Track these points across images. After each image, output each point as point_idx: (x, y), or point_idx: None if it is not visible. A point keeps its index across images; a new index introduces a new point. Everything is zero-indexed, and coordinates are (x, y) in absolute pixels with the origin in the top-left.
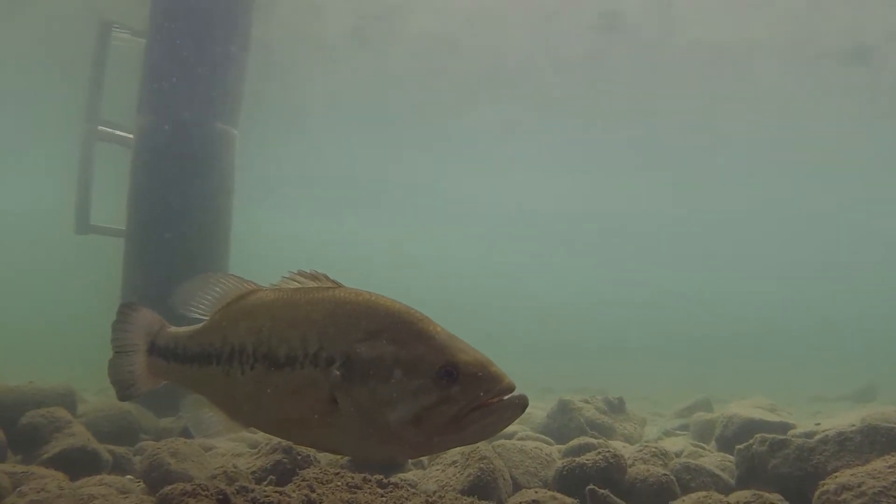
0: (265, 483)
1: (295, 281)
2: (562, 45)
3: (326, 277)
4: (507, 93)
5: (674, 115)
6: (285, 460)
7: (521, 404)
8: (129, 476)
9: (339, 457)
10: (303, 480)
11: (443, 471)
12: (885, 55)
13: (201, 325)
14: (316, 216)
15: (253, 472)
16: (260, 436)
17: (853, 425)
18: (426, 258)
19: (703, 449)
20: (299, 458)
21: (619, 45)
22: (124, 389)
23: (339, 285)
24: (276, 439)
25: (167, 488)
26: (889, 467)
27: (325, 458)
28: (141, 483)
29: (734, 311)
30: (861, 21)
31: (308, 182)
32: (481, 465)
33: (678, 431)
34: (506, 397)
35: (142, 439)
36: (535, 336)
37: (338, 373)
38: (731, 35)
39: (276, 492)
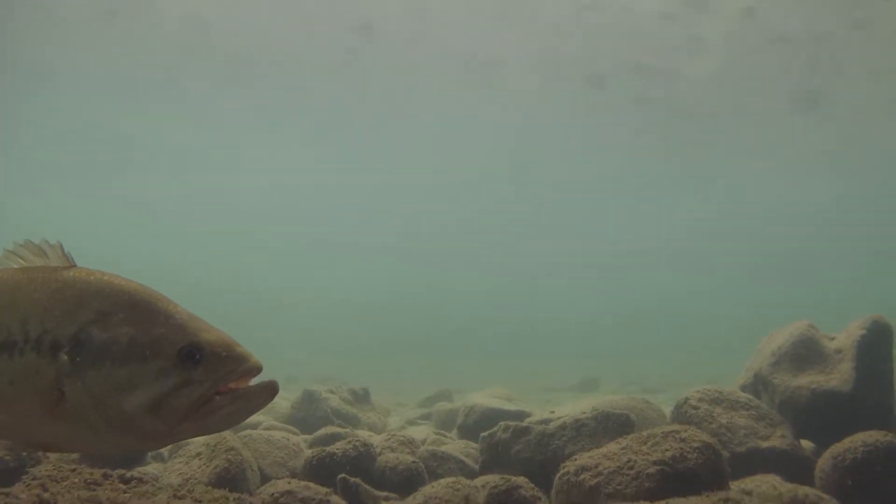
0: None
1: (18, 255)
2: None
3: (61, 250)
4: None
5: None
6: (7, 457)
7: (270, 389)
8: None
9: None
10: (33, 479)
11: (186, 463)
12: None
13: None
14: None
15: None
16: None
17: (584, 412)
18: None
19: (446, 437)
20: (25, 454)
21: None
22: None
23: (71, 262)
24: None
25: None
26: (622, 449)
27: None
28: None
29: (469, 309)
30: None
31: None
32: (229, 457)
33: (420, 421)
34: (255, 383)
35: None
36: (278, 324)
37: (66, 357)
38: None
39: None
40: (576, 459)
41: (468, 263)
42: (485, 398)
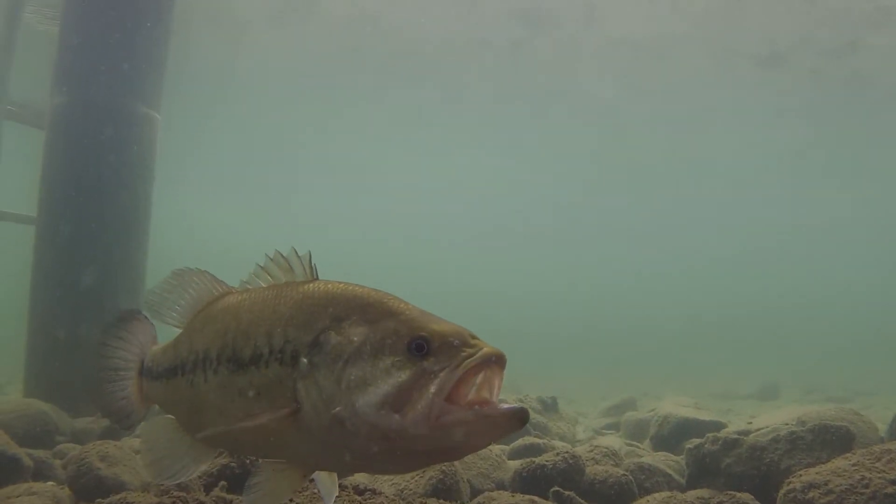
0: (218, 489)
1: (267, 273)
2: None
3: (308, 262)
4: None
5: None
6: (233, 464)
7: (519, 416)
8: (50, 482)
9: None
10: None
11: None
12: None
13: (175, 337)
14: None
15: (200, 478)
16: None
17: (787, 423)
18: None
19: (639, 448)
20: (248, 461)
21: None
22: (122, 420)
23: (315, 275)
24: None
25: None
26: (853, 465)
27: None
28: (66, 489)
29: (625, 311)
30: None
31: (230, 167)
32: (443, 468)
33: (606, 431)
34: (504, 407)
35: (58, 441)
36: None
37: (305, 361)
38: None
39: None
40: (801, 475)
41: (623, 261)
42: (676, 407)
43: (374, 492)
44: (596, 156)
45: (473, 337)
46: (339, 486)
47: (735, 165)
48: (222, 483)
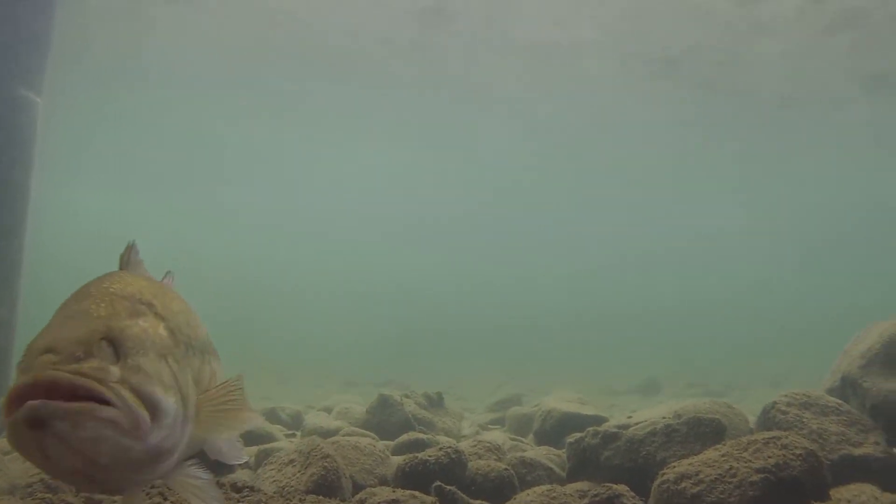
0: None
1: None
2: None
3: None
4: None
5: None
6: None
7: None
8: None
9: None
10: (152, 487)
11: (279, 470)
12: None
13: None
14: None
15: None
16: None
17: (665, 417)
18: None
19: (523, 442)
20: None
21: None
22: None
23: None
24: None
25: None
26: (722, 456)
27: None
28: None
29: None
30: None
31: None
32: (325, 464)
33: (492, 426)
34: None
35: None
36: (335, 330)
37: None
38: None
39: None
40: (675, 466)
41: (514, 258)
42: (560, 402)
43: (252, 489)
44: (501, 155)
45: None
46: (218, 483)
47: (632, 170)
48: None
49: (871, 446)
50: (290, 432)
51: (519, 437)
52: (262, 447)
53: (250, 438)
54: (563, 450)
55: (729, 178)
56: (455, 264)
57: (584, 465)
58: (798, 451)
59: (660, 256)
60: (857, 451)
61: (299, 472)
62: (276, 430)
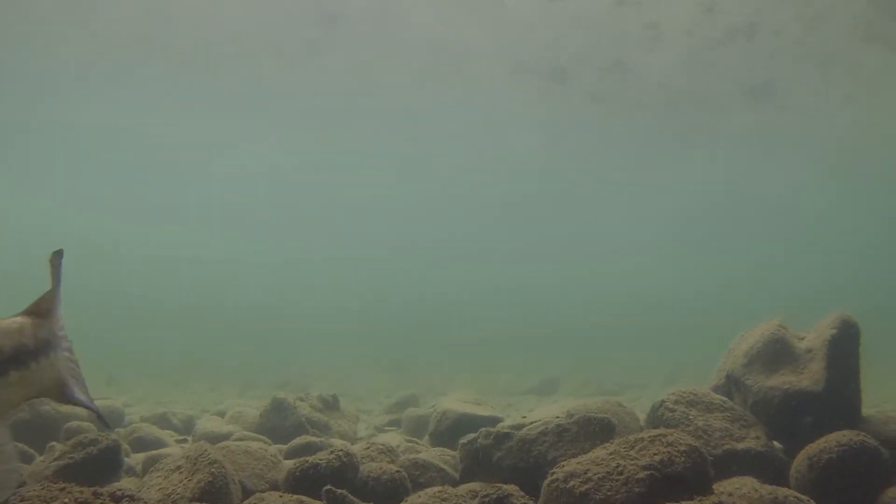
0: None
1: None
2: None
3: None
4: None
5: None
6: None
7: None
8: None
9: (43, 468)
10: (21, 500)
11: (165, 477)
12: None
13: None
14: None
15: None
16: None
17: (558, 417)
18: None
19: (418, 444)
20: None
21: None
22: None
23: None
24: None
25: None
26: (610, 454)
27: (26, 469)
28: None
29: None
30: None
31: None
32: (212, 470)
33: (388, 427)
34: None
35: None
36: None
37: None
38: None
39: None
40: (564, 466)
41: (423, 262)
42: (455, 403)
43: (132, 498)
44: (393, 156)
45: None
46: (94, 493)
47: (521, 170)
48: None
49: (752, 441)
50: (182, 437)
51: (414, 439)
52: (149, 453)
53: (139, 445)
54: (458, 451)
55: (619, 179)
56: (355, 265)
57: (477, 466)
58: (682, 448)
59: (567, 256)
60: (740, 446)
61: (186, 478)
62: (165, 435)
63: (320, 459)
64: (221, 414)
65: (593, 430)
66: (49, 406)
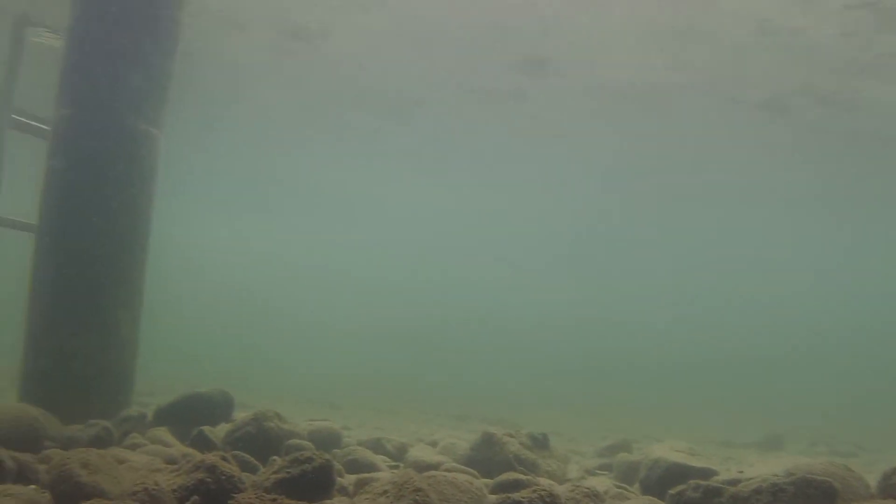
0: (190, 503)
1: None
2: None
3: None
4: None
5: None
6: (209, 479)
7: None
8: (32, 486)
9: (264, 479)
10: None
11: (373, 500)
12: None
13: None
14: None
15: (174, 491)
16: (175, 450)
17: (776, 475)
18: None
19: (628, 491)
20: (223, 477)
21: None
22: None
23: None
24: (196, 455)
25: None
26: None
27: (249, 479)
28: (47, 494)
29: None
30: None
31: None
32: (416, 497)
33: (599, 471)
34: None
35: (47, 447)
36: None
37: None
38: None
39: None
40: None
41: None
42: (668, 452)
43: None
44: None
45: None
46: None
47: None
48: (195, 498)
49: None
50: (394, 464)
51: (624, 486)
52: (361, 476)
53: (353, 467)
54: (665, 502)
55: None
56: (552, 298)
57: None
58: None
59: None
60: None
61: (391, 503)
62: (378, 459)
63: (522, 497)
64: (434, 444)
65: (811, 493)
66: (272, 423)
